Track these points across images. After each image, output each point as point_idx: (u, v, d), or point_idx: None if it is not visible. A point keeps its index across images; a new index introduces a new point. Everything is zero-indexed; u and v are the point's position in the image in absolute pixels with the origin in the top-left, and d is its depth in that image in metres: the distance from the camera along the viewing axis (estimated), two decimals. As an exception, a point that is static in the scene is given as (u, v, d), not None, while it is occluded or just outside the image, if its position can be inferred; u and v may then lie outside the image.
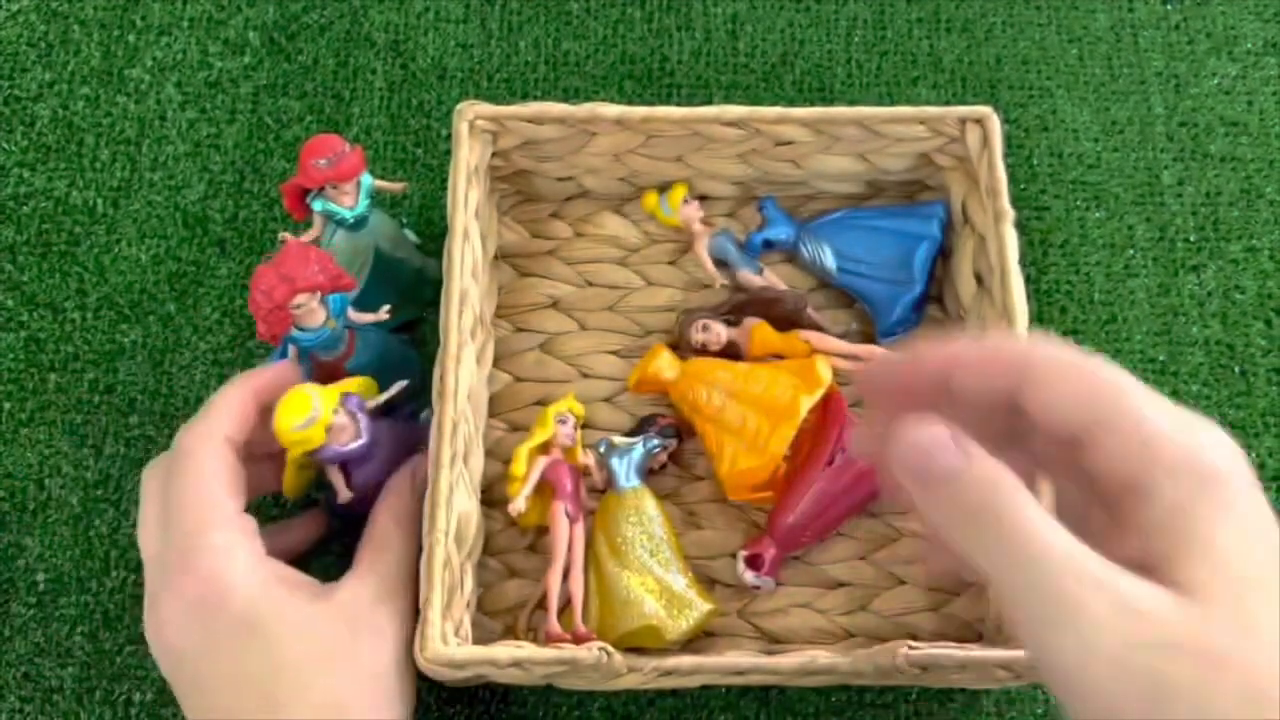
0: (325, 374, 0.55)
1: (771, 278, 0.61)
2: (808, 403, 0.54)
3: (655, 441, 0.56)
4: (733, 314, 0.60)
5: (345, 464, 0.52)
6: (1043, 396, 0.28)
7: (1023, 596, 0.25)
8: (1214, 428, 0.27)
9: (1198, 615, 0.24)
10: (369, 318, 0.54)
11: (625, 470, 0.55)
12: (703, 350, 0.59)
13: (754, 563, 0.54)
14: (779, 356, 0.58)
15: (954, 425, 0.28)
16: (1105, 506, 0.28)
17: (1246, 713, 0.23)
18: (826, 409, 0.56)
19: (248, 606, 0.44)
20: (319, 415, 0.49)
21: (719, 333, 0.58)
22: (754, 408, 0.55)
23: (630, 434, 0.57)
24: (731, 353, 0.59)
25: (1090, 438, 0.27)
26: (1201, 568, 0.25)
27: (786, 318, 0.59)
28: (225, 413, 0.48)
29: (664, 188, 0.62)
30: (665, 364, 0.58)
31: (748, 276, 0.61)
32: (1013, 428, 0.30)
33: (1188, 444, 0.27)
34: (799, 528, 0.55)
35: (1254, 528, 0.26)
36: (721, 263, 0.62)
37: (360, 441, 0.51)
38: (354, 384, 0.53)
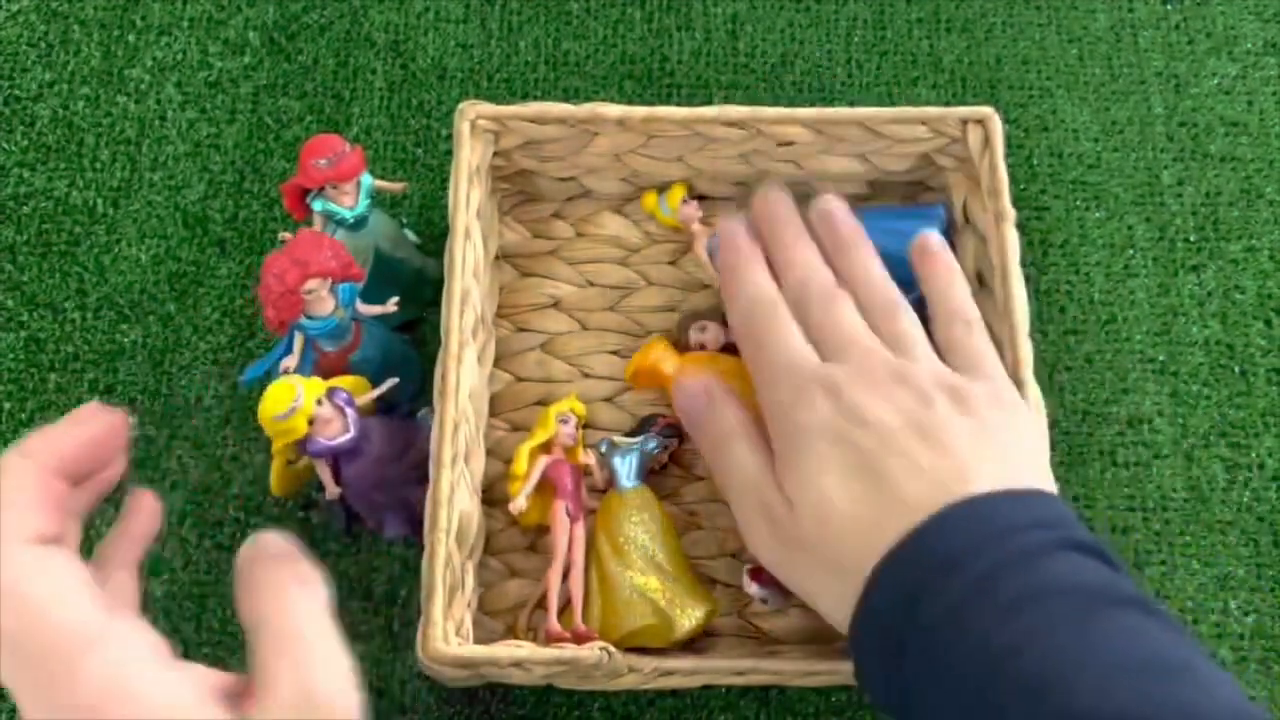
0: (328, 367, 0.55)
1: None
2: None
3: (655, 442, 0.56)
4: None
5: (335, 460, 0.52)
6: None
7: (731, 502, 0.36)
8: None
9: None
10: (377, 310, 0.55)
11: (627, 470, 0.55)
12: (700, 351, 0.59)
13: (758, 575, 0.54)
14: None
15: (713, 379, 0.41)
16: None
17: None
18: None
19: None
20: (301, 405, 0.49)
21: (717, 334, 0.58)
22: (755, 402, 0.53)
23: (631, 434, 0.57)
24: (730, 354, 0.59)
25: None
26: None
27: None
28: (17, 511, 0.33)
29: (663, 188, 0.62)
30: (663, 356, 0.56)
31: None
32: None
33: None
34: None
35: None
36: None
37: (348, 436, 0.51)
38: (345, 381, 0.53)
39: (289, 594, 0.32)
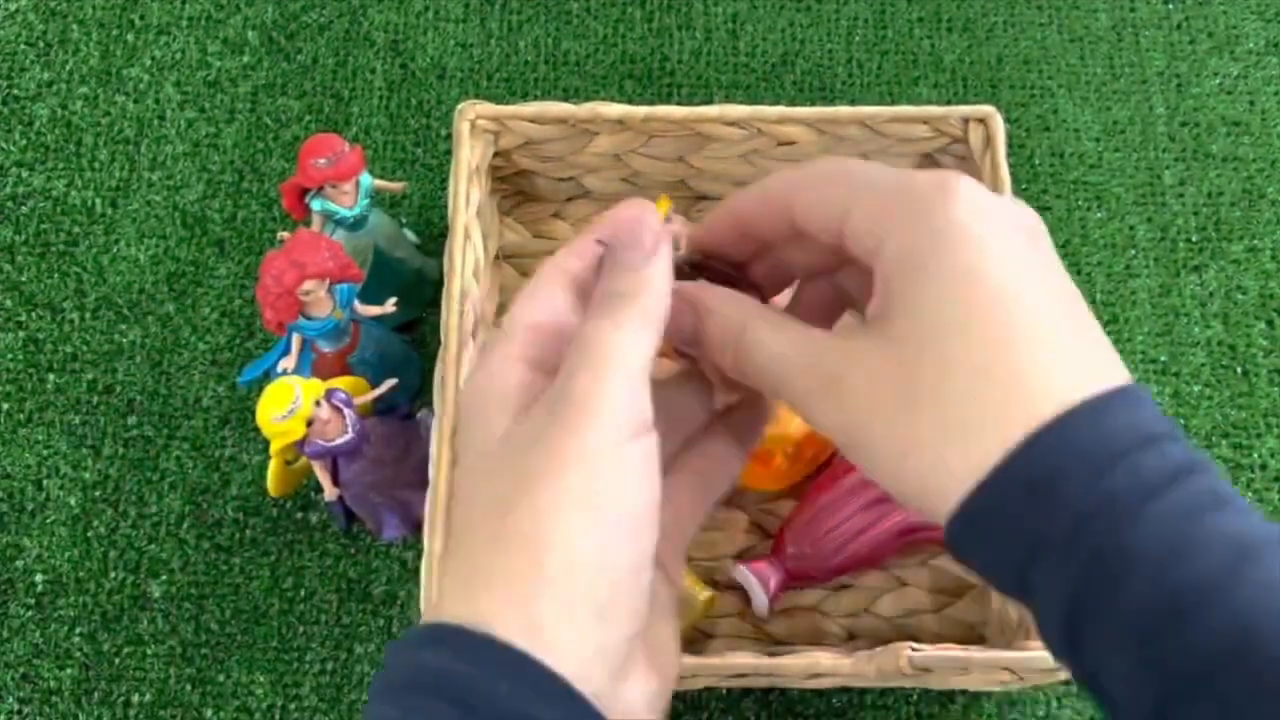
0: (326, 368, 0.55)
1: None
2: None
3: None
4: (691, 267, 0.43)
5: (334, 461, 0.52)
6: (805, 201, 0.29)
7: (792, 393, 0.28)
8: (949, 178, 0.27)
9: (886, 354, 0.26)
10: (375, 310, 0.55)
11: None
12: None
13: (760, 575, 0.54)
14: None
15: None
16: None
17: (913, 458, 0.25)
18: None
19: None
20: (299, 406, 0.49)
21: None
22: None
23: None
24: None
25: (845, 227, 0.28)
26: (901, 319, 0.26)
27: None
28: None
29: (650, 200, 0.62)
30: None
31: None
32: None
33: (908, 195, 0.27)
34: (810, 564, 0.55)
35: (966, 273, 0.26)
36: None
37: (346, 437, 0.51)
38: (344, 382, 0.53)
39: None
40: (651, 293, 0.27)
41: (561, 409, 0.25)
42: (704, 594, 0.53)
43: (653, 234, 0.29)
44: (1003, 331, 0.25)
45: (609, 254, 0.29)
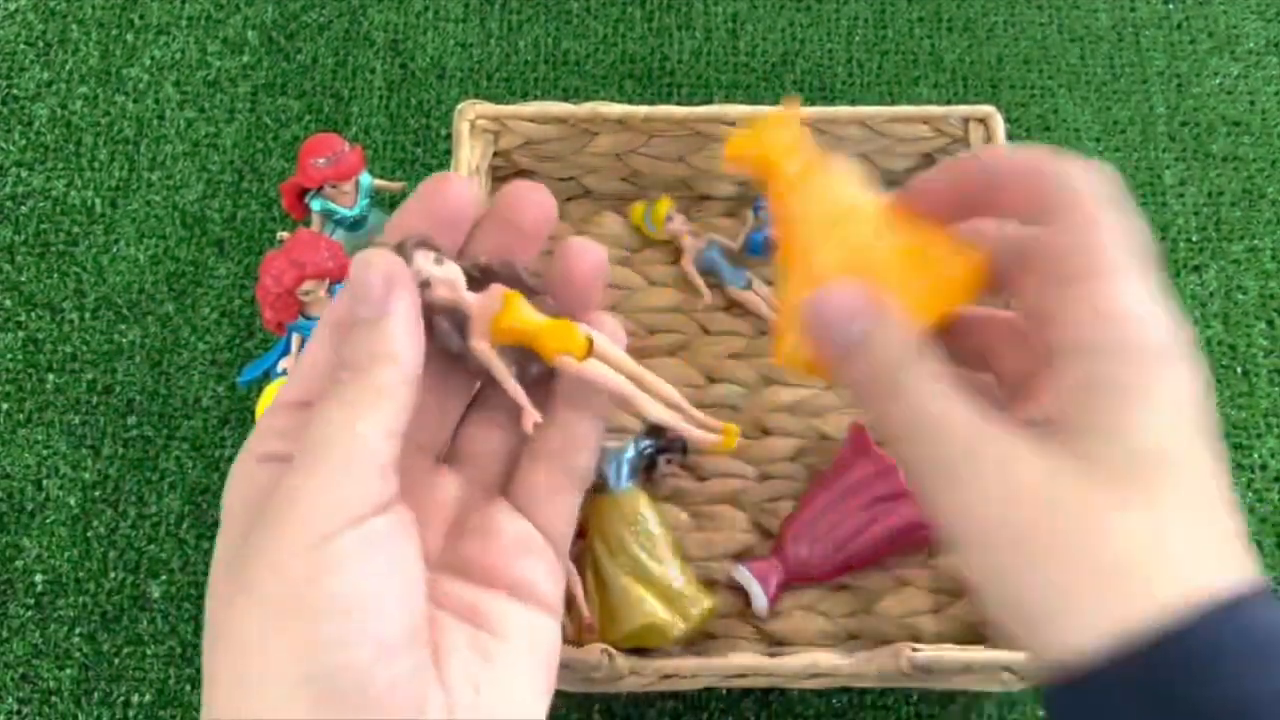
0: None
1: (760, 289, 0.61)
2: (937, 311, 0.29)
3: (647, 442, 0.56)
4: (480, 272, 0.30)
5: None
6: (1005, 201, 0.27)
7: (922, 467, 0.25)
8: (1158, 303, 0.25)
9: (1088, 483, 0.23)
10: None
11: (616, 472, 0.55)
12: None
13: (760, 575, 0.54)
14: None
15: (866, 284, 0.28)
16: (1036, 354, 0.27)
17: (1106, 582, 0.22)
18: (855, 442, 0.56)
19: None
20: None
21: (453, 278, 0.29)
22: (890, 256, 0.29)
23: (639, 437, 0.57)
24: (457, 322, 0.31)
25: (1052, 293, 0.26)
26: (1106, 441, 0.23)
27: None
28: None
29: (650, 200, 0.62)
30: (788, 139, 0.31)
31: (735, 293, 0.61)
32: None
33: (1125, 315, 0.24)
34: (810, 564, 0.54)
35: (1177, 406, 0.24)
36: (711, 274, 0.61)
37: None
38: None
39: None
40: (382, 358, 0.25)
41: (264, 514, 0.24)
42: (705, 603, 0.53)
43: (382, 280, 0.25)
44: (1196, 490, 0.23)
45: (346, 314, 0.26)
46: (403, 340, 0.25)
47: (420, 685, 0.23)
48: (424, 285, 0.27)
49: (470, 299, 0.28)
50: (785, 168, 0.30)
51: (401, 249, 0.27)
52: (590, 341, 0.28)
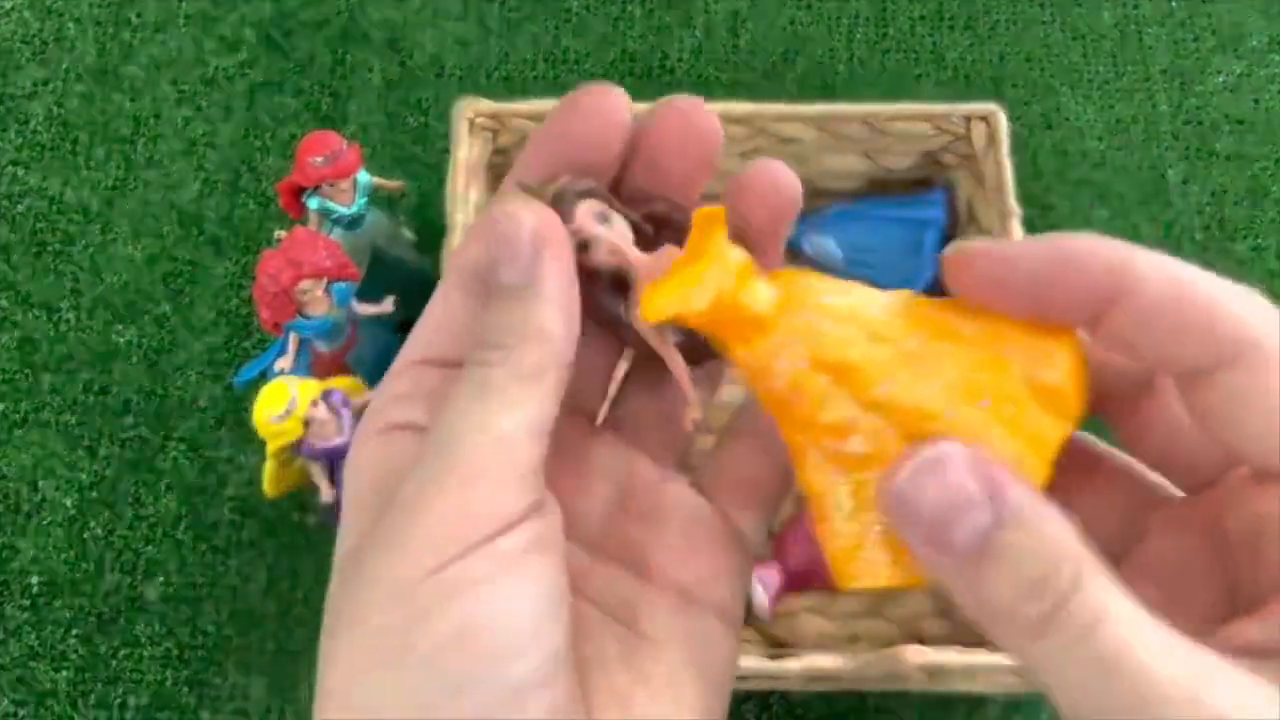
0: (324, 368, 0.55)
1: None
2: (1057, 438, 0.20)
3: None
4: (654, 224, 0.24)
5: (332, 462, 0.52)
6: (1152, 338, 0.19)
7: (1093, 703, 0.17)
8: None
9: None
10: (373, 309, 0.54)
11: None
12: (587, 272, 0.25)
13: (762, 577, 0.54)
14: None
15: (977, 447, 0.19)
16: (1224, 551, 0.20)
17: None
18: None
19: None
20: (296, 407, 0.49)
21: (619, 241, 0.23)
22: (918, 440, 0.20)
23: None
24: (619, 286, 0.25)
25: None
26: None
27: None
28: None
29: None
30: (757, 290, 0.21)
31: None
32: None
33: None
34: (812, 566, 0.54)
35: None
36: None
37: (344, 438, 0.51)
38: (341, 382, 0.53)
39: None
40: (531, 338, 0.20)
41: (379, 528, 0.20)
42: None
43: (531, 240, 0.20)
44: None
45: (486, 277, 0.21)
46: (555, 316, 0.20)
47: None
48: (582, 247, 0.21)
49: (639, 260, 0.22)
50: (751, 305, 0.21)
51: (561, 198, 0.21)
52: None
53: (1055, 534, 0.18)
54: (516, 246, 0.20)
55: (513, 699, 0.18)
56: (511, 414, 0.19)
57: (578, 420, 0.23)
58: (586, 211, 0.21)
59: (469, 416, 0.19)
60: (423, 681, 0.18)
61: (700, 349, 0.22)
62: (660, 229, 0.22)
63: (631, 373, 0.25)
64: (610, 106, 0.22)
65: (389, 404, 0.21)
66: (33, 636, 0.56)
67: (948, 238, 0.61)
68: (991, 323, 0.20)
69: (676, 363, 0.22)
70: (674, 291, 0.20)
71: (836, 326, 0.20)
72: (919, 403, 0.20)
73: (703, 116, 0.22)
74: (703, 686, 0.22)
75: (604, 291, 0.22)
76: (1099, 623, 0.17)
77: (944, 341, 0.20)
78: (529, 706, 0.19)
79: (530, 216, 0.20)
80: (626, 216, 0.22)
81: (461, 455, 0.19)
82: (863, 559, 0.20)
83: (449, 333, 0.21)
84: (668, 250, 0.22)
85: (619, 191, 0.23)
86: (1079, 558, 0.17)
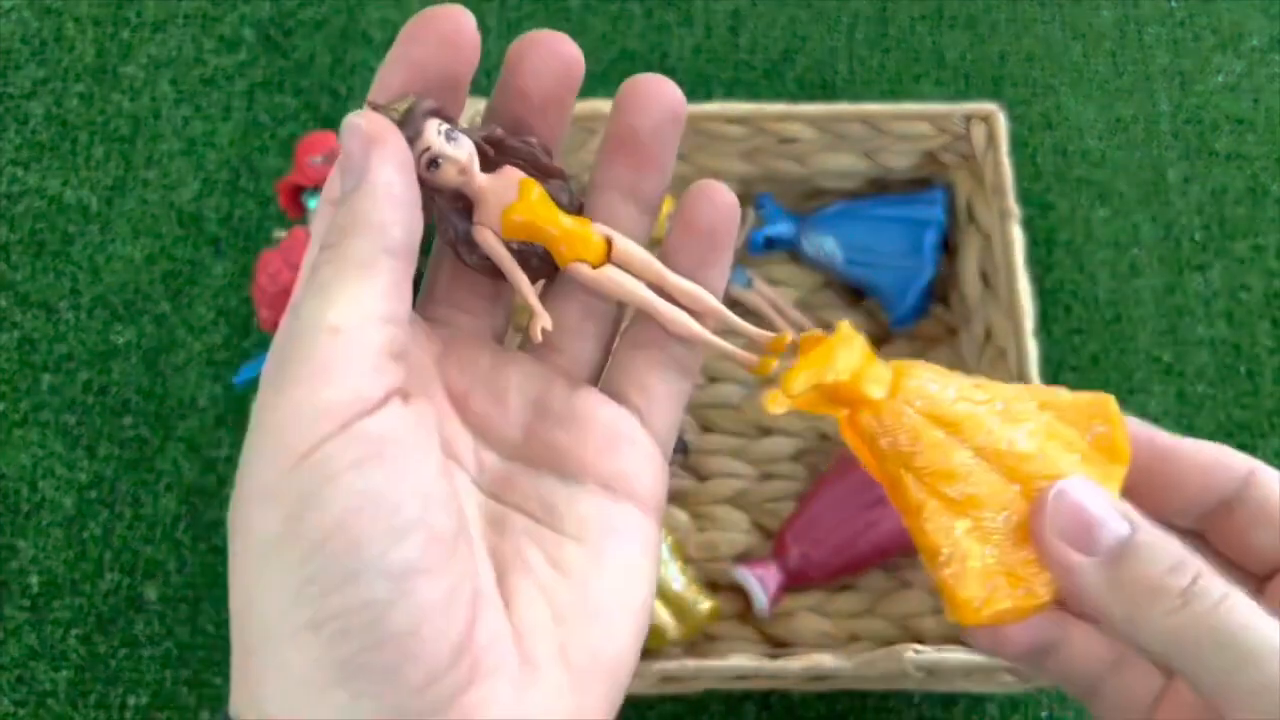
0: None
1: (762, 288, 0.61)
2: (1118, 479, 0.26)
3: None
4: (493, 147, 0.25)
5: None
6: (1259, 515, 0.24)
7: (1222, 662, 0.21)
8: None
9: None
10: None
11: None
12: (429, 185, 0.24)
13: (761, 576, 0.54)
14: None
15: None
16: None
17: None
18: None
19: None
20: None
21: (465, 159, 0.24)
22: (1017, 480, 0.25)
23: None
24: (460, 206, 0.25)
25: None
26: None
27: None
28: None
29: None
30: (875, 374, 0.25)
31: (736, 292, 0.60)
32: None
33: None
34: (811, 565, 0.54)
35: None
36: None
37: None
38: None
39: None
40: (360, 228, 0.20)
41: (246, 438, 0.20)
42: (705, 604, 0.52)
43: (362, 142, 0.21)
44: None
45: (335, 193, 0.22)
46: (382, 207, 0.21)
47: (460, 612, 0.19)
48: (431, 163, 0.22)
49: (481, 181, 0.23)
50: (869, 392, 0.25)
51: (409, 115, 0.22)
52: (609, 245, 0.24)
53: (1175, 541, 0.22)
54: (350, 152, 0.21)
55: (398, 584, 0.18)
56: (349, 303, 0.20)
57: (489, 345, 0.25)
58: (436, 127, 0.22)
59: (309, 313, 0.20)
60: (311, 572, 0.18)
61: (539, 263, 0.24)
62: (500, 156, 0.24)
63: (542, 296, 0.26)
64: (455, 26, 0.23)
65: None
66: (32, 637, 0.56)
67: (947, 237, 0.61)
68: (1041, 393, 0.26)
69: (518, 276, 0.24)
70: (812, 366, 0.24)
71: (943, 390, 0.25)
72: (1016, 446, 0.24)
73: (564, 46, 0.24)
74: (625, 575, 0.23)
75: (450, 210, 0.23)
76: (1228, 596, 0.21)
77: (1018, 404, 0.25)
78: (416, 591, 0.19)
79: (362, 122, 0.21)
80: (471, 137, 0.23)
81: (305, 349, 0.19)
82: (985, 590, 0.24)
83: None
84: (508, 171, 0.24)
85: (496, 120, 0.25)
86: (1196, 558, 0.22)
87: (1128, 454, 0.25)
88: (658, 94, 0.24)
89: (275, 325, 0.50)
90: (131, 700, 0.55)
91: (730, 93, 0.69)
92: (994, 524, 0.24)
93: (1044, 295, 0.63)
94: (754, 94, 0.68)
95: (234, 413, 0.60)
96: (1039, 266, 0.63)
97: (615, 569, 0.23)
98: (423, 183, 0.22)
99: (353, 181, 0.21)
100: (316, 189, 0.55)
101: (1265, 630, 0.21)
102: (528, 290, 0.24)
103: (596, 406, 0.24)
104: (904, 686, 0.51)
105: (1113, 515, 0.23)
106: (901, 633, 0.55)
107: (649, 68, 0.69)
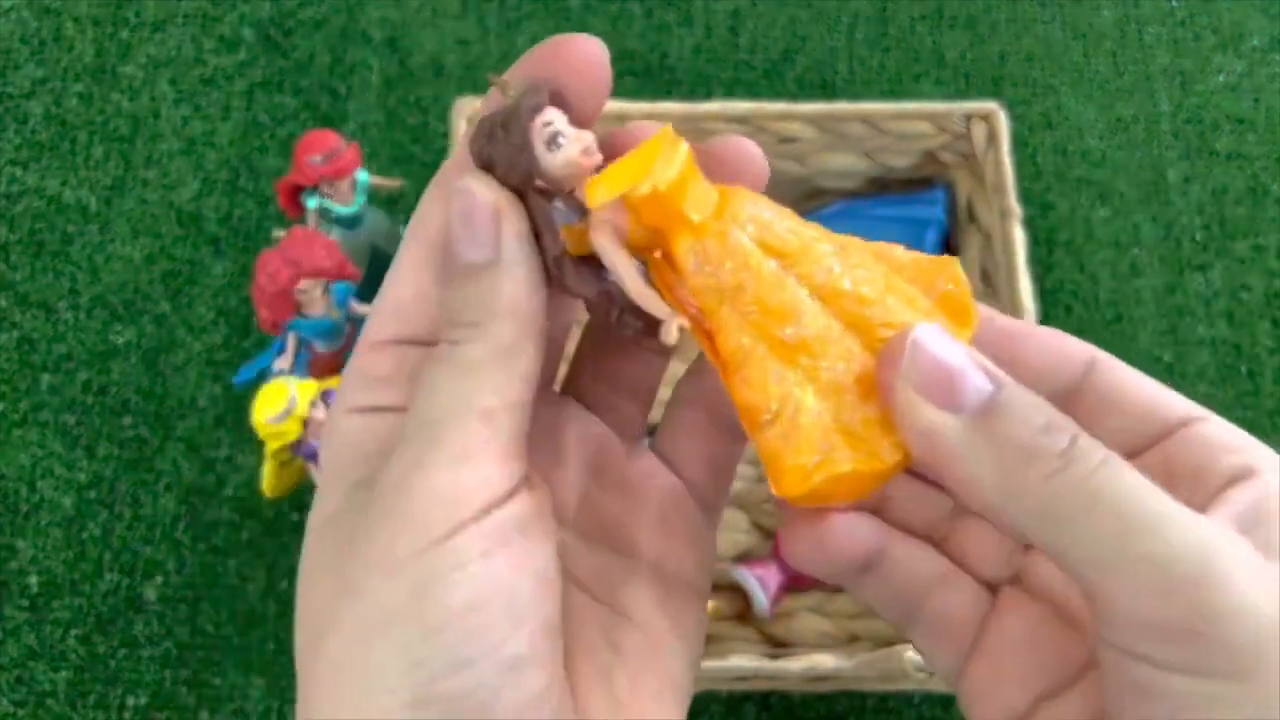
0: (323, 368, 0.54)
1: None
2: (966, 339, 0.22)
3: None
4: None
5: None
6: (1112, 398, 0.22)
7: (1112, 527, 0.19)
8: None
9: None
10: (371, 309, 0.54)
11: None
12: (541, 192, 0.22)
13: (761, 577, 0.54)
14: None
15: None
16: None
17: None
18: None
19: None
20: (295, 408, 0.48)
21: (588, 141, 0.21)
22: (858, 328, 0.21)
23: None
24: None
25: (1164, 438, 0.21)
26: None
27: None
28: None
29: None
30: (699, 193, 0.21)
31: None
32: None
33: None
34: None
35: None
36: None
37: None
38: (339, 382, 0.53)
39: None
40: (501, 314, 0.20)
41: (373, 507, 0.20)
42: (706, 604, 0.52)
43: (490, 214, 0.20)
44: None
45: (444, 257, 0.21)
46: (523, 289, 0.20)
47: (552, 702, 0.19)
48: (552, 140, 0.20)
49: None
50: (690, 211, 0.20)
51: (533, 90, 0.20)
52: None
53: (1045, 401, 0.19)
54: (475, 220, 0.20)
55: (509, 674, 0.19)
56: (493, 390, 0.20)
57: (544, 390, 0.24)
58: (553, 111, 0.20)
59: (451, 395, 0.20)
60: (427, 654, 0.18)
61: (632, 318, 0.21)
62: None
63: (584, 341, 0.25)
64: (586, 56, 0.21)
65: (357, 386, 0.22)
66: (32, 637, 0.56)
67: (948, 236, 0.61)
68: (878, 245, 0.22)
69: (638, 282, 0.20)
70: (622, 174, 0.20)
71: (778, 219, 0.21)
72: (860, 289, 0.20)
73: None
74: (680, 663, 0.22)
75: (549, 219, 0.21)
76: (1110, 459, 0.19)
77: (856, 251, 0.21)
78: (523, 682, 0.19)
79: (485, 189, 0.20)
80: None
81: (447, 433, 0.19)
82: (819, 452, 0.20)
83: (415, 310, 0.22)
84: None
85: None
86: (1069, 419, 0.19)
87: (974, 316, 0.21)
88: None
89: (274, 325, 0.50)
90: (131, 700, 0.55)
91: (730, 92, 0.68)
92: (831, 374, 0.20)
93: (1045, 295, 0.63)
94: (754, 93, 0.68)
95: (233, 413, 0.60)
96: (1039, 266, 0.63)
97: (666, 654, 0.22)
98: (528, 178, 0.20)
99: (481, 255, 0.20)
100: (316, 189, 0.55)
101: (1151, 496, 0.18)
102: (645, 295, 0.20)
103: (648, 476, 0.24)
104: (904, 686, 0.51)
105: (976, 369, 0.19)
106: (901, 633, 0.55)
107: (649, 67, 0.69)
